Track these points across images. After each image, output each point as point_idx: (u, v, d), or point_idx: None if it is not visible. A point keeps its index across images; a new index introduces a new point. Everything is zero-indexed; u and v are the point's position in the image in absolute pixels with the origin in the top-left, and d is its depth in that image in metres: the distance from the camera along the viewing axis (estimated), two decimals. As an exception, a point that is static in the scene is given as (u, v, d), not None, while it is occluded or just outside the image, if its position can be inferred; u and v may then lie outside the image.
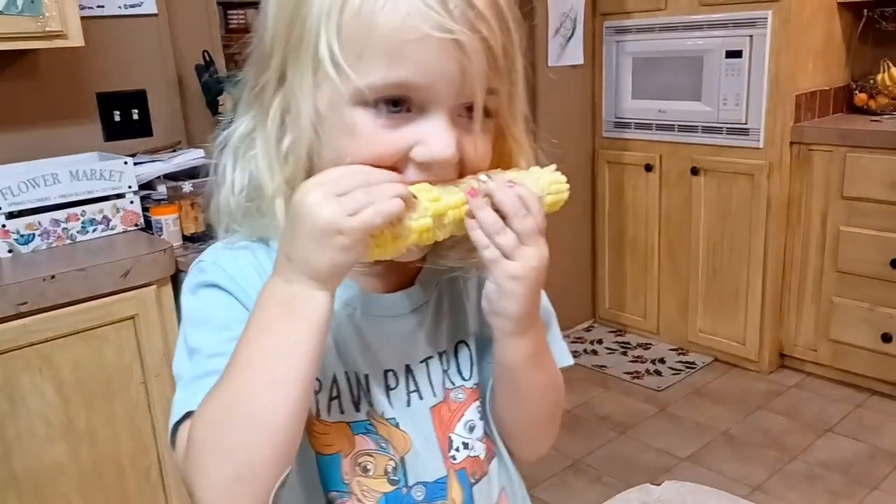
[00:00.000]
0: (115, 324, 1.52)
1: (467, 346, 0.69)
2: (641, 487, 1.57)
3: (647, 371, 2.94)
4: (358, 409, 0.63)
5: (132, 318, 1.53)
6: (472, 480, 0.68)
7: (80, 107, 1.92)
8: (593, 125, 3.21)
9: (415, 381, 0.66)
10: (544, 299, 0.69)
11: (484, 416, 0.69)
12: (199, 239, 1.70)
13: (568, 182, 0.62)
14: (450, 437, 0.67)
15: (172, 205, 1.73)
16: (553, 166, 0.63)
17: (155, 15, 2.01)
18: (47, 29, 1.56)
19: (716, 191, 2.84)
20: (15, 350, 1.40)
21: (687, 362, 2.99)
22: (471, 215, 0.57)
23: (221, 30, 3.24)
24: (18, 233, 1.55)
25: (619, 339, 3.25)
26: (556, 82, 3.02)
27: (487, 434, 0.70)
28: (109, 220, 1.68)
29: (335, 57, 0.54)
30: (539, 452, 0.74)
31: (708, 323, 2.98)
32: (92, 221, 1.66)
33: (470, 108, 0.57)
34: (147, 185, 1.78)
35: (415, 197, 0.55)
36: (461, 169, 0.59)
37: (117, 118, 1.98)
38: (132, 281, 1.53)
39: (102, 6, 1.91)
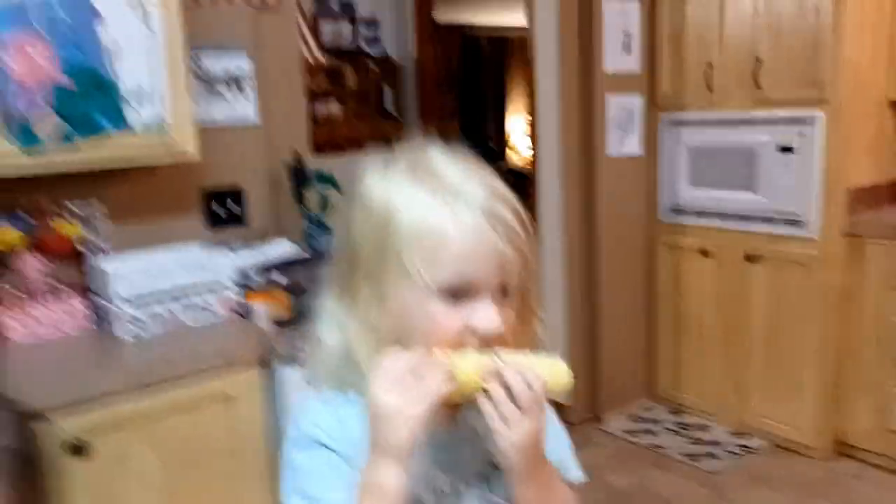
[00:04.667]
0: (212, 405, 1.72)
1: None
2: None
3: (704, 453, 3.00)
4: None
5: (231, 398, 1.72)
6: None
7: (186, 201, 2.18)
8: (652, 211, 3.35)
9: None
10: (553, 425, 0.87)
11: None
12: (287, 324, 1.90)
13: (570, 373, 0.78)
14: None
15: (265, 292, 1.94)
16: (557, 357, 0.79)
17: (257, 125, 2.29)
18: (173, 149, 1.83)
19: (771, 278, 2.93)
20: (118, 430, 1.60)
21: (743, 445, 3.03)
22: (484, 389, 0.75)
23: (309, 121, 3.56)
24: (137, 319, 1.78)
25: (677, 419, 3.31)
26: (616, 171, 3.20)
27: None
28: (212, 307, 1.90)
29: (417, 269, 0.75)
30: None
31: (765, 407, 3.03)
32: (197, 308, 1.88)
33: (503, 290, 0.77)
34: (243, 273, 2.01)
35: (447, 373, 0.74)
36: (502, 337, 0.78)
37: (217, 211, 2.24)
38: (232, 362, 1.73)
39: (212, 118, 2.18)
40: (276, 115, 2.37)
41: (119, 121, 1.78)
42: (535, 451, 0.77)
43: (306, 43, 2.60)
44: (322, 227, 2.28)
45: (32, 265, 1.83)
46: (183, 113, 1.87)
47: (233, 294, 1.93)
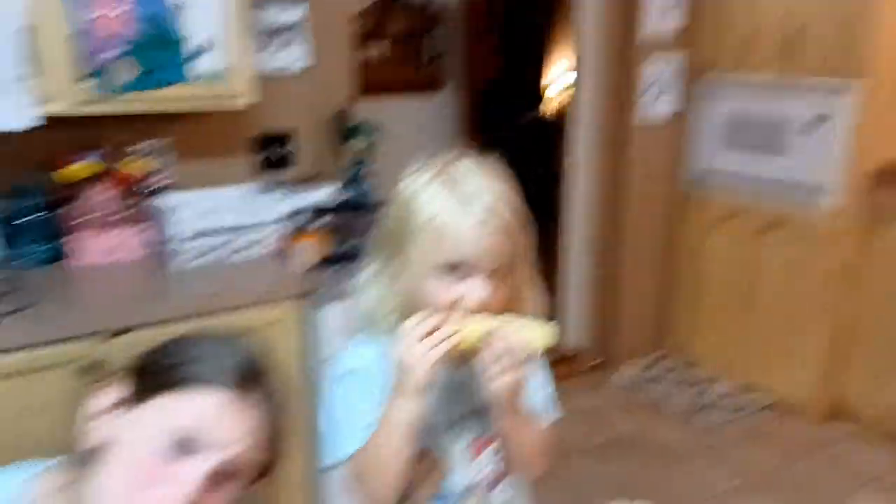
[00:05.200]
0: (257, 331, 1.93)
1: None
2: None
3: (707, 406, 3.18)
4: None
5: (273, 326, 1.94)
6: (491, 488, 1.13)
7: (241, 144, 2.37)
8: (680, 172, 3.45)
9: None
10: (538, 377, 1.13)
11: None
12: (327, 264, 2.09)
13: (556, 326, 1.01)
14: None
15: (308, 234, 2.14)
16: (542, 322, 1.02)
17: (307, 72, 2.44)
18: (231, 96, 2.01)
19: (789, 245, 3.05)
20: None
21: (745, 404, 3.21)
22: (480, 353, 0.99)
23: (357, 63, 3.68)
24: (191, 252, 1.99)
25: (686, 372, 3.50)
26: (648, 130, 3.29)
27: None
28: (258, 244, 2.10)
29: (426, 251, 0.99)
30: (530, 477, 1.17)
31: (771, 368, 3.20)
32: (245, 244, 2.09)
33: (495, 273, 0.99)
34: (288, 215, 2.20)
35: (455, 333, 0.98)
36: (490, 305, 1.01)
37: (269, 154, 2.42)
38: (274, 296, 1.94)
39: (268, 66, 2.33)
40: (327, 62, 2.52)
41: (185, 69, 1.95)
42: (514, 396, 1.01)
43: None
44: (362, 173, 2.45)
45: (106, 196, 2.04)
46: (242, 63, 2.03)
47: (278, 234, 2.13)
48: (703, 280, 3.44)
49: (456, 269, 0.99)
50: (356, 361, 1.07)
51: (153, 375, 0.86)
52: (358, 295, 1.08)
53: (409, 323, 0.98)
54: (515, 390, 1.01)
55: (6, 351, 1.59)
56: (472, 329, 0.98)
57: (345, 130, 2.49)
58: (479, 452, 1.13)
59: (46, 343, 1.63)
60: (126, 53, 1.85)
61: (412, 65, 3.92)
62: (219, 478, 0.82)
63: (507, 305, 1.02)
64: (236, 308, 1.89)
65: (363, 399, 1.04)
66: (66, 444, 0.89)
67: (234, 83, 2.03)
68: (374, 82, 3.72)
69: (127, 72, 1.86)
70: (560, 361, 3.62)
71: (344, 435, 1.05)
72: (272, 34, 2.37)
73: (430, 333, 0.96)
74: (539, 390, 1.15)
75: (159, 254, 2.06)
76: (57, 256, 2.01)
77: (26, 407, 1.62)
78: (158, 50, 1.91)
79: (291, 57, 2.43)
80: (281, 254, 2.12)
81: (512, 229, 1.00)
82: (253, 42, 2.14)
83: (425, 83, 3.97)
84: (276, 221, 2.13)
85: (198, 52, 1.96)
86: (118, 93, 1.87)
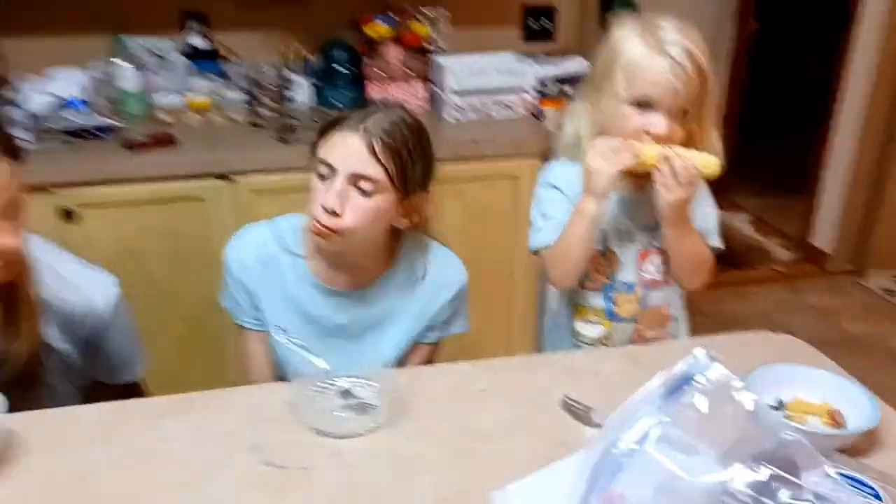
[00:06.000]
0: (501, 180, 2.28)
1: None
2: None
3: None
4: None
5: (516, 177, 2.27)
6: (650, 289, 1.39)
7: (509, 15, 2.66)
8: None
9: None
10: (709, 206, 1.35)
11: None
12: (569, 128, 2.35)
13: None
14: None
15: (556, 100, 2.40)
16: (714, 157, 1.22)
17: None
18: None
19: None
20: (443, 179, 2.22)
21: None
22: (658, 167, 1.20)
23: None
24: (459, 107, 2.37)
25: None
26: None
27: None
28: (514, 106, 2.42)
29: (621, 87, 1.21)
30: (689, 288, 1.41)
31: None
32: (502, 104, 2.41)
33: (677, 113, 1.19)
34: (542, 81, 2.48)
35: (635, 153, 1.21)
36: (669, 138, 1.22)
37: (532, 25, 2.69)
38: (521, 150, 2.26)
39: (539, -60, 2.56)
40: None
41: (467, -54, 2.26)
42: (682, 212, 1.24)
43: None
44: (616, 49, 2.62)
45: (393, 54, 2.46)
46: (516, -59, 2.28)
47: (531, 98, 2.42)
48: None
49: (644, 104, 1.21)
50: (558, 178, 1.36)
51: None
52: (565, 125, 1.35)
53: (598, 141, 1.24)
54: (684, 203, 1.22)
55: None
56: (649, 149, 1.21)
57: (606, 5, 2.65)
58: (644, 259, 1.39)
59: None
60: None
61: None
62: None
63: (686, 144, 1.23)
64: (491, 156, 2.24)
65: (559, 206, 1.33)
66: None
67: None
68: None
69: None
70: (807, 260, 3.58)
71: (542, 229, 1.36)
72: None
73: (613, 149, 1.21)
74: (706, 216, 1.37)
75: (436, 105, 2.47)
76: (357, 101, 2.50)
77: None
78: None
79: (564, -66, 2.62)
80: (531, 116, 2.42)
81: (694, 81, 1.19)
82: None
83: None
84: (530, 87, 2.42)
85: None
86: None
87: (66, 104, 2.19)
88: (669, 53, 1.18)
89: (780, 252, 3.69)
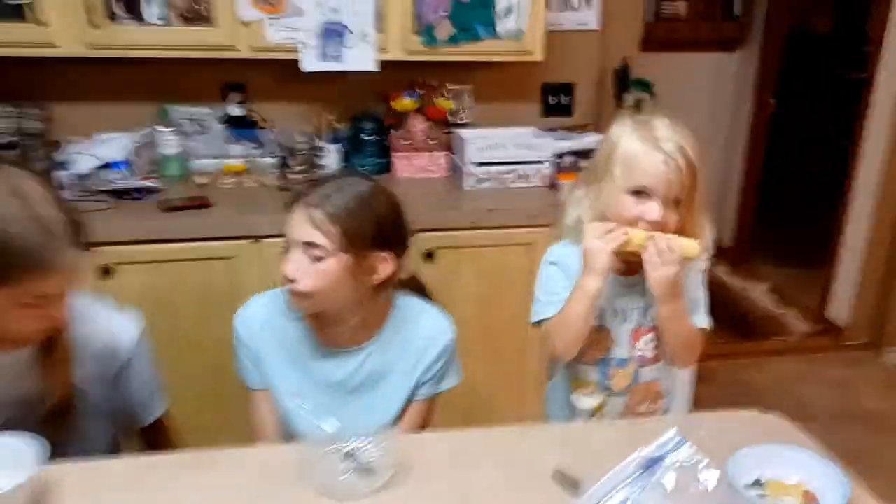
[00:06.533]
0: (517, 247, 2.38)
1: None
2: None
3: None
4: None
5: (531, 244, 2.37)
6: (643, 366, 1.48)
7: (529, 91, 2.80)
8: None
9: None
10: (697, 287, 1.44)
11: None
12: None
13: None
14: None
15: (571, 173, 2.51)
16: (698, 242, 1.33)
17: (596, 31, 2.76)
18: (524, 52, 2.43)
19: None
20: (453, 248, 2.34)
21: None
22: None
23: (653, 18, 3.88)
24: (476, 177, 2.49)
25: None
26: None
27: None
28: (530, 177, 2.53)
29: (619, 177, 1.32)
30: (680, 366, 1.51)
31: None
32: (519, 175, 2.53)
33: (671, 202, 1.30)
34: (558, 155, 2.59)
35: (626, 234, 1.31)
36: (662, 226, 1.32)
37: (551, 101, 2.82)
38: (538, 219, 2.35)
39: (561, 24, 2.71)
40: (615, 22, 2.82)
41: (490, 29, 2.41)
42: (671, 288, 1.34)
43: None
44: (632, 126, 2.74)
45: (418, 125, 2.60)
46: (537, 24, 2.43)
47: (547, 170, 2.53)
48: None
49: (640, 193, 1.32)
50: (560, 257, 1.46)
51: None
52: (567, 209, 1.47)
53: (594, 224, 1.36)
54: (673, 282, 1.32)
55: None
56: (639, 233, 1.32)
57: (623, 84, 2.78)
58: (638, 337, 1.48)
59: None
60: (447, 16, 2.35)
61: (712, 21, 3.98)
62: None
63: (677, 231, 1.33)
64: (507, 225, 2.35)
65: (560, 283, 1.43)
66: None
67: (529, 41, 2.44)
68: (668, 38, 3.89)
69: (445, 30, 2.37)
70: (824, 332, 3.61)
71: (544, 304, 1.45)
72: (569, -3, 2.73)
73: (608, 232, 1.32)
74: (695, 296, 1.46)
75: (456, 174, 2.59)
76: (383, 169, 2.63)
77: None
78: (473, 12, 2.38)
79: (585, 16, 2.77)
80: (546, 187, 2.53)
81: (685, 173, 1.30)
82: (548, 6, 2.52)
83: (723, 40, 4.02)
84: (546, 160, 2.53)
85: (503, 15, 2.40)
86: (438, 46, 2.38)
87: (111, 166, 2.36)
88: (663, 148, 1.30)
89: (798, 323, 3.72)
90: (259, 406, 1.49)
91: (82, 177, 2.30)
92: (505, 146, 2.51)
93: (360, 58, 2.35)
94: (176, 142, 2.46)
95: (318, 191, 1.33)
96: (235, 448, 1.28)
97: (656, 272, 1.31)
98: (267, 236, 2.15)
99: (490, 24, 2.40)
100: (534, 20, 2.42)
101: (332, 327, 1.41)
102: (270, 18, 2.25)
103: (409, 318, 1.46)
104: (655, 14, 3.90)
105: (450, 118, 2.68)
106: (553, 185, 2.53)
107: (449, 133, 2.64)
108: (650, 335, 1.48)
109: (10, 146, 2.24)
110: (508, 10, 2.40)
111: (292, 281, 1.32)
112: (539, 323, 1.47)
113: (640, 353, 1.49)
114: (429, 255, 2.29)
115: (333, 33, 2.31)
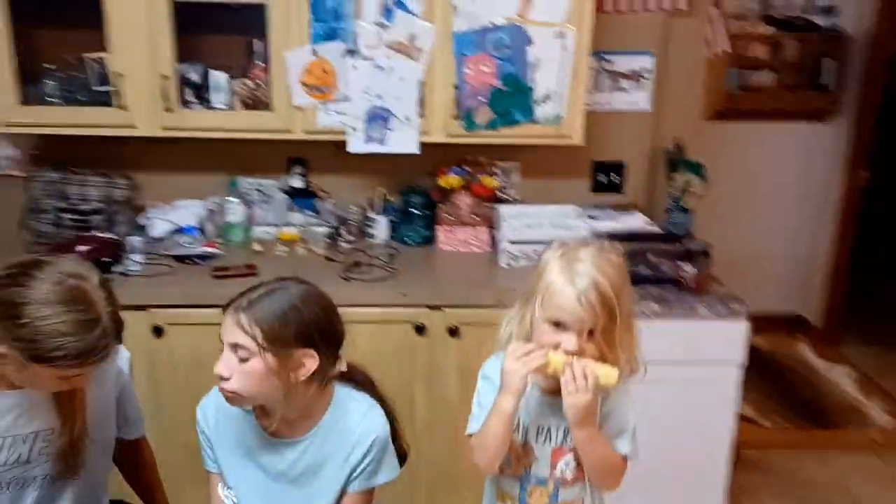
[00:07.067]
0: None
1: None
2: None
3: None
4: None
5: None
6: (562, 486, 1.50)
7: (579, 168, 2.85)
8: None
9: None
10: (626, 413, 1.47)
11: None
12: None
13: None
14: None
15: (608, 254, 2.53)
16: (616, 369, 1.35)
17: (648, 112, 2.79)
18: (565, 134, 2.51)
19: None
20: (476, 326, 2.37)
21: None
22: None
23: (736, 88, 3.82)
24: (511, 254, 2.56)
25: None
26: None
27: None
28: (566, 257, 2.58)
29: (539, 306, 1.37)
30: (601, 488, 1.52)
31: None
32: (556, 254, 2.58)
33: (586, 333, 1.33)
34: (595, 234, 2.62)
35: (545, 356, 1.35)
36: (580, 353, 1.36)
37: (601, 179, 2.86)
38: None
39: (609, 104, 2.76)
40: (669, 104, 2.83)
41: (529, 115, 2.50)
42: (585, 414, 1.37)
43: (715, 34, 2.88)
44: (679, 208, 2.72)
45: (463, 202, 2.72)
46: (575, 109, 2.50)
47: (582, 251, 2.57)
48: None
49: (558, 324, 1.36)
50: (492, 371, 1.51)
51: None
52: (502, 325, 1.52)
53: (515, 345, 1.41)
54: (586, 408, 1.35)
55: (370, 305, 2.36)
56: (557, 357, 1.36)
57: (673, 166, 2.78)
58: (558, 457, 1.50)
59: (395, 305, 2.37)
60: (486, 101, 2.47)
61: (799, 92, 3.85)
62: None
63: (597, 358, 1.36)
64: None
65: (490, 396, 1.46)
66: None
67: (567, 126, 2.51)
68: (753, 108, 3.81)
69: (485, 116, 2.49)
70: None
71: (475, 417, 1.51)
72: (620, 78, 2.77)
73: (527, 353, 1.37)
74: (623, 420, 1.47)
75: (495, 250, 2.68)
76: (428, 240, 2.77)
77: (376, 349, 2.36)
78: (512, 98, 2.48)
79: (636, 98, 2.80)
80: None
81: (598, 309, 1.33)
82: (602, 84, 2.58)
83: (811, 111, 3.87)
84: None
85: (541, 101, 2.49)
86: (478, 130, 2.51)
87: (183, 230, 2.64)
88: (577, 285, 1.33)
89: (880, 416, 3.46)
90: (214, 487, 1.63)
91: (157, 240, 2.60)
92: (541, 225, 2.58)
93: (403, 140, 2.51)
94: (241, 210, 2.71)
95: (248, 296, 1.45)
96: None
97: (570, 398, 1.34)
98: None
99: (528, 110, 2.49)
100: (573, 105, 2.49)
101: (270, 419, 1.52)
102: (321, 104, 2.47)
103: (342, 410, 1.54)
104: (742, 86, 3.83)
105: (498, 194, 2.79)
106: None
107: (492, 209, 2.74)
108: (570, 456, 1.49)
109: (96, 212, 2.57)
110: (547, 97, 2.49)
111: (224, 379, 1.43)
112: (471, 436, 1.51)
113: (558, 474, 1.51)
114: (452, 332, 2.38)
115: (378, 118, 2.49)
